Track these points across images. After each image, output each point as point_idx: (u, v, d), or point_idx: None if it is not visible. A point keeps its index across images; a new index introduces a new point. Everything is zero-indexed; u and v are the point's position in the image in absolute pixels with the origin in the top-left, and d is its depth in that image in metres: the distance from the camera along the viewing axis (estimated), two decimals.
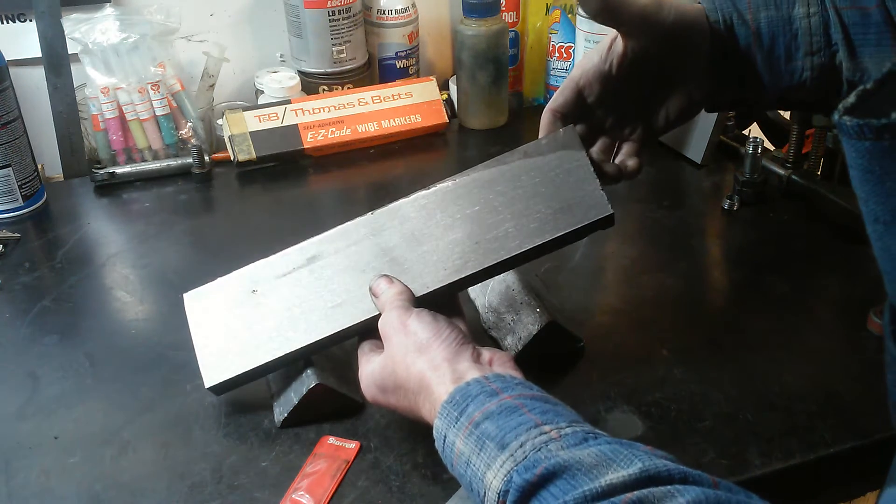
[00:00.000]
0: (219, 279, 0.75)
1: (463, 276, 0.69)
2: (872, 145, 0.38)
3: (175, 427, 0.73)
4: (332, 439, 0.71)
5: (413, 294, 0.68)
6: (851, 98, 0.39)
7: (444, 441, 0.58)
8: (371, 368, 0.66)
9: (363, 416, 0.73)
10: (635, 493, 0.46)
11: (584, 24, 1.11)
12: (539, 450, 0.51)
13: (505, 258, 0.69)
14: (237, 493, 0.67)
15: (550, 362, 0.78)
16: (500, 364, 0.62)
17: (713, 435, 0.71)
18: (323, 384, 0.71)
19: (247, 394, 0.76)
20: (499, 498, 0.51)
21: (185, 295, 0.75)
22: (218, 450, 0.71)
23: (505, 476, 0.51)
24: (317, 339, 0.70)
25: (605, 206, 0.68)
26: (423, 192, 0.72)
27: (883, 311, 0.47)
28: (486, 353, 0.63)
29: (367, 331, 0.70)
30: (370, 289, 0.69)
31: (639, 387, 0.76)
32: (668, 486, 0.46)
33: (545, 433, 0.52)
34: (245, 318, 0.72)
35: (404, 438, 0.71)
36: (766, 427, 0.71)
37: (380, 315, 0.68)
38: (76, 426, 0.74)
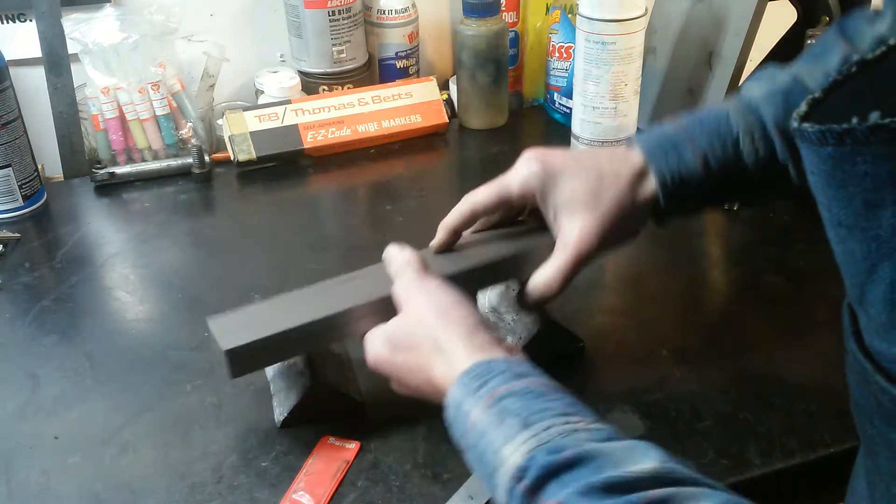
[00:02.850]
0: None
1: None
2: (834, 150, 0.38)
3: (175, 427, 0.73)
4: (332, 439, 0.71)
5: (424, 261, 0.68)
6: (803, 106, 0.39)
7: (459, 409, 0.56)
8: (383, 328, 0.65)
9: (363, 416, 0.73)
10: (664, 490, 0.45)
11: (584, 24, 1.11)
12: (566, 436, 0.50)
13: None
14: (237, 493, 0.67)
15: (550, 362, 0.78)
16: (522, 357, 0.61)
17: (713, 435, 0.71)
18: (323, 384, 0.71)
19: (247, 394, 0.76)
20: (516, 473, 0.50)
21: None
22: (218, 450, 0.71)
23: (527, 453, 0.50)
24: (330, 313, 0.68)
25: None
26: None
27: (842, 313, 0.46)
28: (508, 341, 0.62)
29: (384, 311, 0.68)
30: (383, 258, 0.69)
31: (639, 387, 0.76)
32: (696, 488, 0.46)
33: (572, 423, 0.51)
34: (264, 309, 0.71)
35: (404, 438, 0.71)
36: (766, 427, 0.72)
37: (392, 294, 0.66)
38: (76, 426, 0.74)
